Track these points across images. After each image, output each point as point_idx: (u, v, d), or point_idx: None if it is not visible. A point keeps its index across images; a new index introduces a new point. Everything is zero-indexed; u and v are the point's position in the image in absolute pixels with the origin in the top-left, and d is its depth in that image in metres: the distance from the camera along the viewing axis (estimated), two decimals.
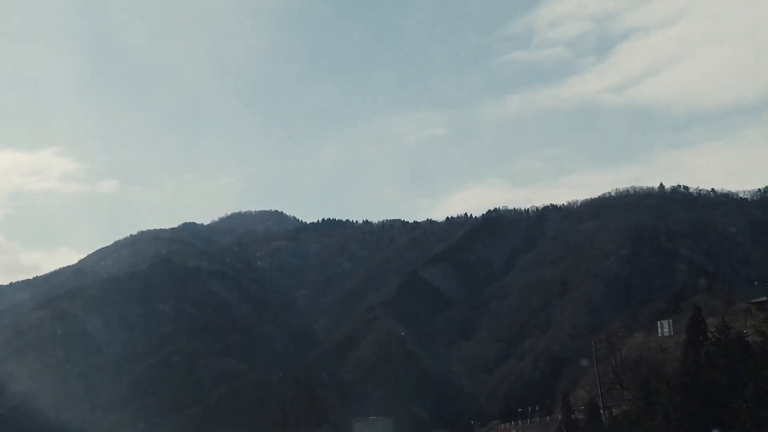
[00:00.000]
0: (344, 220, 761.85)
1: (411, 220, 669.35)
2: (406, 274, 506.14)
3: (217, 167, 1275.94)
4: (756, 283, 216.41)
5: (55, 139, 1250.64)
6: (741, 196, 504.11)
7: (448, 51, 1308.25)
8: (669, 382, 67.33)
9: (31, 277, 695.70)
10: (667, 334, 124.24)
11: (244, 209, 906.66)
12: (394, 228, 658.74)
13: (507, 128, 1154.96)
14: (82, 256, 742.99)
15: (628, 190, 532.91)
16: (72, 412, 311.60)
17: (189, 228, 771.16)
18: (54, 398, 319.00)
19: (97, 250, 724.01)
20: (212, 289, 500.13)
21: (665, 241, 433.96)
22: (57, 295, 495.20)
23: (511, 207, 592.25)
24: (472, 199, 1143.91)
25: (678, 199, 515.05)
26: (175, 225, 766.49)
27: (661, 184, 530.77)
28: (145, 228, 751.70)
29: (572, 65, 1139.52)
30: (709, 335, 72.59)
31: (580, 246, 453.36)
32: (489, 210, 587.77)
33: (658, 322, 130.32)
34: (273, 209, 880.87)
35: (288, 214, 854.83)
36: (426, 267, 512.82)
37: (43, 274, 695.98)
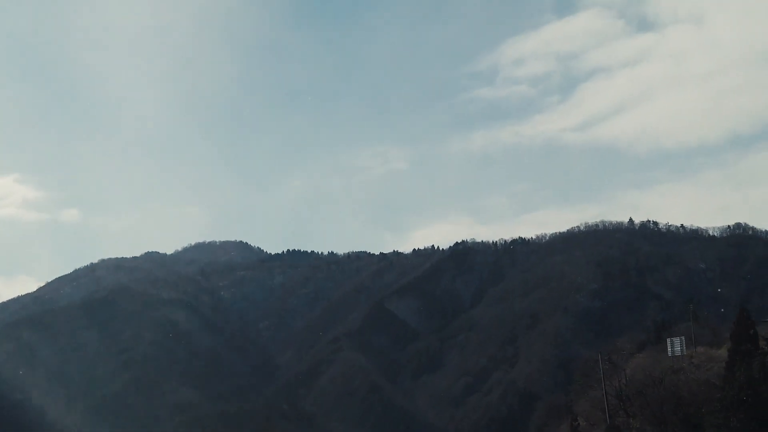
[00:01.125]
0: (309, 251, 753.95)
1: (377, 252, 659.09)
2: (371, 306, 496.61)
3: (181, 197, 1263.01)
4: None
5: (18, 166, 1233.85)
6: (710, 233, 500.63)
7: (413, 86, 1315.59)
8: (723, 399, 58.06)
9: None
10: (678, 353, 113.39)
11: (208, 239, 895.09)
12: (360, 260, 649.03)
13: (471, 164, 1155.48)
14: (42, 284, 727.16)
15: (597, 225, 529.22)
16: None
17: (152, 257, 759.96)
18: None
19: (57, 278, 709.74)
20: (172, 318, 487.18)
21: (635, 275, 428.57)
22: (12, 321, 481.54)
23: (479, 240, 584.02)
24: (436, 235, 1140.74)
25: (647, 235, 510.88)
26: (137, 254, 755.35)
27: (631, 219, 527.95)
28: (106, 257, 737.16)
29: (536, 103, 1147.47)
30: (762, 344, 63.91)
31: (549, 279, 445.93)
32: (456, 242, 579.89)
33: (668, 340, 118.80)
34: (238, 240, 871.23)
35: (253, 245, 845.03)
36: (392, 298, 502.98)
37: (1, 301, 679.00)
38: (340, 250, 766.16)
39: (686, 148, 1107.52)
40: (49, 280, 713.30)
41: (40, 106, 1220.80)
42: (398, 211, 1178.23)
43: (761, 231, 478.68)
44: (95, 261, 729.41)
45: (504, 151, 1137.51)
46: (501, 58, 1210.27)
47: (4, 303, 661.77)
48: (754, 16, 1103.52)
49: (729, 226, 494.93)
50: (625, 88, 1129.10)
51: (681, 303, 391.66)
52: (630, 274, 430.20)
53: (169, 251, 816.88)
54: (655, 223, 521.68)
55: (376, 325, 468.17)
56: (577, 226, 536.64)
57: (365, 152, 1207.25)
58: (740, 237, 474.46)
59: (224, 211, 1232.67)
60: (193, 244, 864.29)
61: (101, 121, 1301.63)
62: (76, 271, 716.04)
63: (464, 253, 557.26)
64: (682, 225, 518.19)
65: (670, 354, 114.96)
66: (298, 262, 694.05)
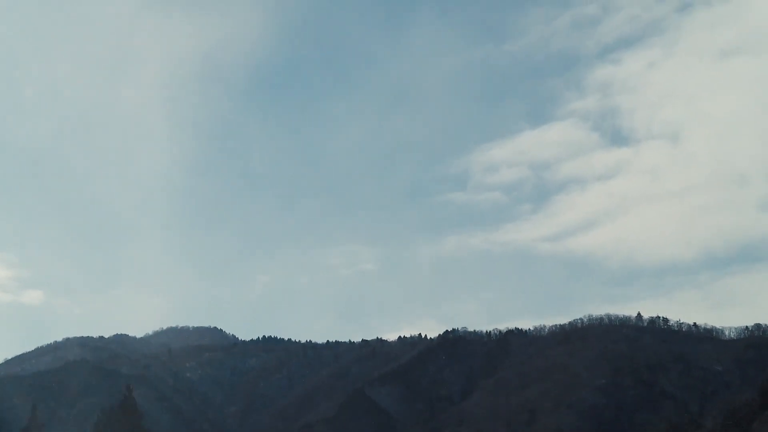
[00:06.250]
0: (286, 339, 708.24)
1: (359, 339, 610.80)
2: (350, 393, 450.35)
3: (147, 286, 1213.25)
4: None
5: None
6: (727, 333, 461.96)
7: (382, 184, 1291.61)
8: None
9: None
10: None
11: (181, 324, 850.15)
12: (340, 346, 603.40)
13: (441, 269, 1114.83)
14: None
15: (602, 318, 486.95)
16: None
17: (120, 338, 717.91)
18: None
19: (17, 356, 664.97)
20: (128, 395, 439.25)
21: (646, 373, 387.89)
22: None
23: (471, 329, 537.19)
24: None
25: (656, 331, 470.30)
26: (106, 336, 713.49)
27: (639, 313, 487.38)
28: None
29: (509, 211, 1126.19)
30: None
31: (550, 372, 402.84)
32: (446, 330, 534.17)
33: None
34: (212, 326, 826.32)
35: (227, 332, 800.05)
36: (373, 385, 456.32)
37: None
38: (319, 339, 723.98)
39: (660, 266, 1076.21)
40: (9, 358, 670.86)
41: (5, 188, 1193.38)
42: (366, 312, 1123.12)
43: None
44: (59, 339, 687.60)
45: (475, 258, 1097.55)
46: (473, 164, 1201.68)
47: None
48: (730, 134, 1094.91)
49: (747, 327, 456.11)
50: (599, 202, 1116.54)
51: (697, 407, 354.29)
52: (641, 371, 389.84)
53: (139, 334, 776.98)
54: (665, 320, 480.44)
55: (354, 413, 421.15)
56: (580, 319, 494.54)
57: (333, 251, 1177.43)
58: (760, 338, 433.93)
59: (194, 301, 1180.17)
60: (165, 328, 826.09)
61: (67, 205, 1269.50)
62: (38, 348, 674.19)
63: (454, 341, 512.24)
64: (695, 323, 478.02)
65: None
66: (273, 347, 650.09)
